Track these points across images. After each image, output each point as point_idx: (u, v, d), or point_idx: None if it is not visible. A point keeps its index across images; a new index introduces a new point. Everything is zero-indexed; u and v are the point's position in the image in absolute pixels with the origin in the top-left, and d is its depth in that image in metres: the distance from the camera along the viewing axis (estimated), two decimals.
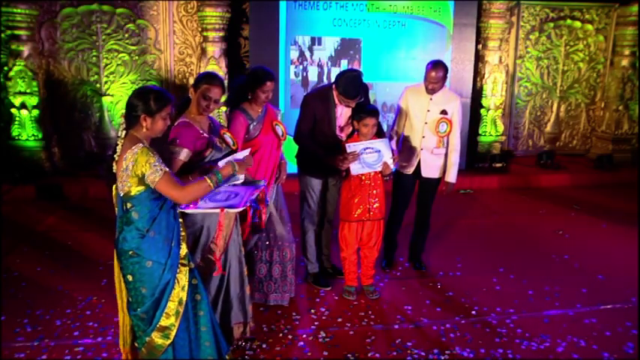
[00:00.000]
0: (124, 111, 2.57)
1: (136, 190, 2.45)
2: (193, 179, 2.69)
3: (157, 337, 2.60)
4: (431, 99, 4.17)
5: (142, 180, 2.43)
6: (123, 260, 2.54)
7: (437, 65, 4.10)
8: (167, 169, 2.45)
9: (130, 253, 2.50)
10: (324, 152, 3.85)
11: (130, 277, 2.55)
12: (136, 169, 2.41)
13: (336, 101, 3.86)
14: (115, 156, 2.51)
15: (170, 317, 2.59)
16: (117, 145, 2.51)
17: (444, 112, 4.14)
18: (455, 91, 7.22)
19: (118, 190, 2.53)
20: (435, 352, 3.35)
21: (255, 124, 3.54)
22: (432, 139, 4.19)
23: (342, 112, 3.93)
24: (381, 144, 3.79)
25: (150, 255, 2.51)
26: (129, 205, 2.50)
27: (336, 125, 3.91)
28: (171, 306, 2.59)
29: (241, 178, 2.80)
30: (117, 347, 3.31)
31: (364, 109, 3.79)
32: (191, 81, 7.06)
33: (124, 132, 2.51)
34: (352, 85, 3.75)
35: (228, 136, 3.15)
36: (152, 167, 2.40)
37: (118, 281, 2.68)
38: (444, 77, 4.13)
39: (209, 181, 2.54)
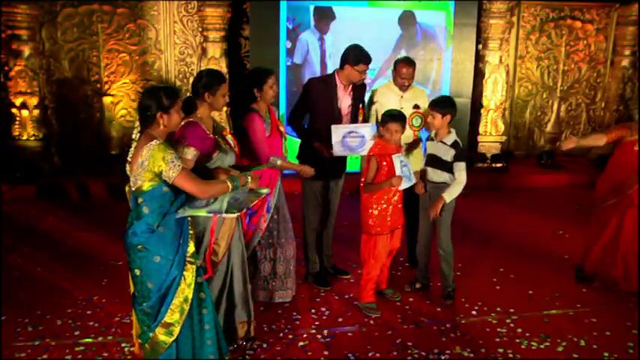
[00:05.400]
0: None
1: (148, 185, 2.49)
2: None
3: (160, 334, 2.62)
4: (402, 97, 4.21)
5: (158, 176, 2.47)
6: (131, 254, 2.57)
7: (408, 61, 4.19)
8: (184, 165, 2.52)
9: (139, 247, 2.53)
10: (307, 136, 3.93)
11: (137, 272, 2.57)
12: (152, 166, 2.45)
13: (337, 82, 3.92)
14: (128, 158, 2.56)
15: (175, 314, 2.61)
16: (130, 147, 2.56)
17: (416, 106, 4.17)
18: (455, 91, 7.31)
19: (130, 185, 2.57)
20: (435, 352, 3.35)
21: (266, 125, 3.55)
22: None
23: (343, 98, 3.94)
24: (366, 129, 3.83)
25: (158, 250, 2.54)
26: (140, 199, 2.53)
27: (338, 107, 3.93)
28: (177, 302, 2.61)
29: (246, 190, 2.88)
30: (118, 347, 3.32)
31: (390, 114, 3.66)
32: (192, 80, 7.06)
33: (138, 135, 2.55)
34: (364, 51, 3.84)
35: (229, 138, 3.15)
36: (169, 163, 2.46)
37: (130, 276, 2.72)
38: (414, 73, 4.21)
39: (229, 183, 2.66)
